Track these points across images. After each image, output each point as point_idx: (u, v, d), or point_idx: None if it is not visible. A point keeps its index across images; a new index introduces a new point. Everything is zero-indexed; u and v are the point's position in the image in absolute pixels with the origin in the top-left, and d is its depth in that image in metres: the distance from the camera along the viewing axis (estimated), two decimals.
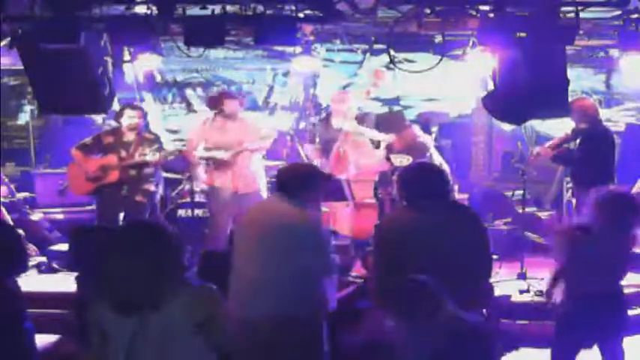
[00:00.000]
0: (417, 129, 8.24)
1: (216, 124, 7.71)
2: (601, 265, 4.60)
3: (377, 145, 8.23)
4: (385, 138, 8.08)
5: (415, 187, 4.33)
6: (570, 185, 7.49)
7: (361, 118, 8.00)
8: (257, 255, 4.31)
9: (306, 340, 4.26)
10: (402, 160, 8.08)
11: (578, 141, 7.20)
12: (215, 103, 7.85)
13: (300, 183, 4.46)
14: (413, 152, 8.11)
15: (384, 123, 8.74)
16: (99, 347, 3.34)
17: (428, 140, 8.18)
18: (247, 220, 4.62)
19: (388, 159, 8.08)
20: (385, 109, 10.28)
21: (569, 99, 6.44)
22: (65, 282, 7.07)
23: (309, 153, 8.32)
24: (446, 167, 8.17)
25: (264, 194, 7.76)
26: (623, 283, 4.81)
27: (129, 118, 7.62)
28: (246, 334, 4.15)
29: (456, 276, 3.94)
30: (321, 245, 4.31)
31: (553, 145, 7.38)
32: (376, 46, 8.38)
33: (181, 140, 9.96)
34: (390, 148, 8.17)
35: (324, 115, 8.36)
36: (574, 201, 7.63)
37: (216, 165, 7.68)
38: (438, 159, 8.16)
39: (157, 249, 3.27)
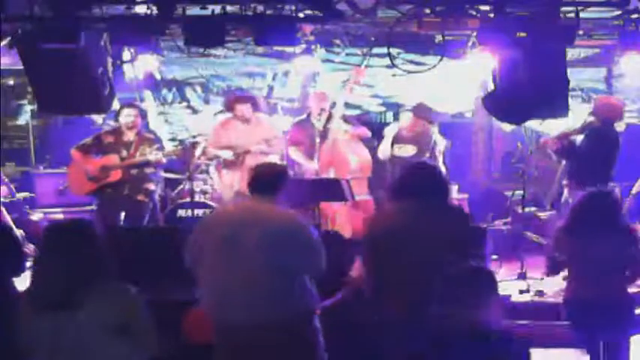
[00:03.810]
0: (434, 129, 8.17)
1: (229, 125, 8.04)
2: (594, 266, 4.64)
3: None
4: (369, 134, 8.14)
5: (399, 185, 4.38)
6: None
7: (363, 117, 8.00)
8: (237, 257, 4.06)
9: (295, 342, 4.08)
10: (407, 150, 8.07)
11: (583, 136, 7.12)
12: (227, 106, 8.21)
13: (278, 182, 4.27)
14: (420, 144, 8.09)
15: (415, 108, 8.57)
16: (25, 350, 3.38)
17: (439, 141, 8.14)
18: (222, 222, 4.29)
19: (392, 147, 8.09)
20: (383, 108, 10.27)
21: (570, 99, 6.42)
22: None
23: (294, 155, 8.26)
24: (442, 168, 8.17)
25: None
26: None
27: (126, 116, 7.63)
28: (228, 340, 4.09)
29: (426, 276, 3.94)
30: (309, 244, 4.14)
31: (562, 136, 7.22)
32: (376, 50, 8.38)
33: (181, 140, 9.97)
34: (398, 136, 8.13)
35: (304, 115, 8.34)
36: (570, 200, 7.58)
37: (225, 164, 7.95)
38: (439, 158, 8.14)
39: (72, 250, 3.31)
